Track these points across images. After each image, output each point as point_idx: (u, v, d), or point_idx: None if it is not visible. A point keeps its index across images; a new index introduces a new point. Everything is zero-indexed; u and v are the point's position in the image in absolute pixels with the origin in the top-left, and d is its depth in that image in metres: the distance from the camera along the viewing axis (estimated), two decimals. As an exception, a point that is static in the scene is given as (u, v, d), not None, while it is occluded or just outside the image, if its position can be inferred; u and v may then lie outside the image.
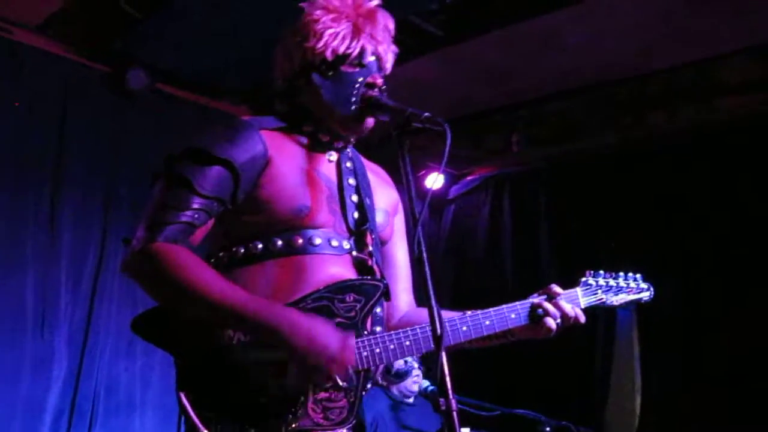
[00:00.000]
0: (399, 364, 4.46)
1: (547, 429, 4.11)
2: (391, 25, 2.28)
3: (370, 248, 2.24)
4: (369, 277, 2.18)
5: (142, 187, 4.87)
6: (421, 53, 4.65)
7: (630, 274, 2.63)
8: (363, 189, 2.31)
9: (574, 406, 5.24)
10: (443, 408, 1.70)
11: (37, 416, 4.45)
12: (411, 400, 4.68)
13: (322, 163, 2.27)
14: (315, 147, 2.27)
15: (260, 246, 2.13)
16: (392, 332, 2.14)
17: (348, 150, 2.36)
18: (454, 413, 1.70)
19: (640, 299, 2.64)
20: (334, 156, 2.30)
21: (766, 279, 4.89)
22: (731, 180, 5.18)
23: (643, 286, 2.65)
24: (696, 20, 4.32)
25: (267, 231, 2.13)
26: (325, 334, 1.94)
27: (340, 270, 2.16)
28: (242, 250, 2.14)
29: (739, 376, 4.93)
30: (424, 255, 1.84)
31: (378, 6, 2.26)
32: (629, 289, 2.61)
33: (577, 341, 5.72)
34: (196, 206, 2.05)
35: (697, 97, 5.13)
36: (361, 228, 2.24)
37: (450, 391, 1.71)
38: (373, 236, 2.26)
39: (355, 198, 2.28)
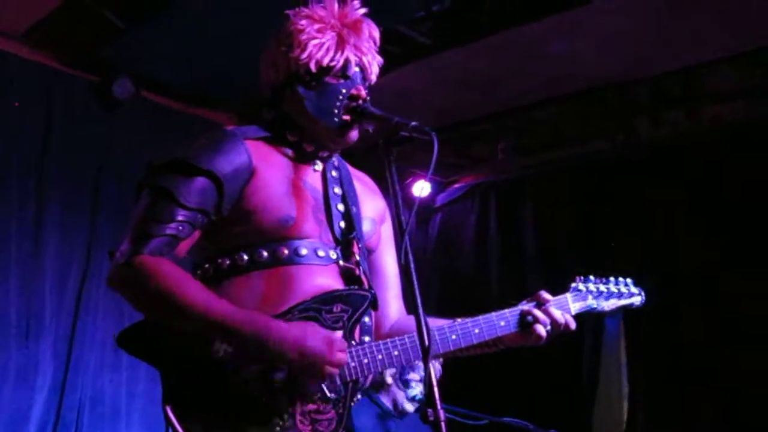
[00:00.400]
0: (413, 376, 4.43)
1: (534, 437, 4.10)
2: (377, 35, 2.27)
3: (357, 257, 2.23)
4: (356, 287, 2.17)
5: (127, 196, 4.84)
6: (407, 61, 4.65)
7: (621, 279, 2.60)
8: (349, 198, 2.30)
9: (562, 414, 5.24)
10: (431, 419, 1.70)
11: (21, 427, 4.41)
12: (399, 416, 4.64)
13: (307, 172, 2.26)
14: (300, 157, 2.26)
15: (246, 257, 2.11)
16: (380, 342, 2.13)
17: (333, 159, 2.35)
18: (443, 424, 1.70)
19: (632, 304, 2.61)
20: (319, 166, 2.29)
21: (755, 283, 4.91)
22: (718, 187, 5.20)
23: (634, 290, 2.62)
24: (682, 28, 4.34)
25: (252, 242, 2.12)
26: (312, 338, 1.95)
27: (327, 280, 2.14)
28: (228, 262, 2.13)
29: (727, 381, 4.94)
30: (411, 264, 1.84)
31: (363, 16, 2.25)
32: (620, 294, 2.57)
33: (565, 349, 5.72)
34: (180, 218, 2.04)
35: (683, 104, 5.16)
36: (347, 237, 2.23)
37: (438, 401, 1.71)
38: (360, 245, 2.25)
39: (341, 207, 2.27)
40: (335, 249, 2.20)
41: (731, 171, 5.16)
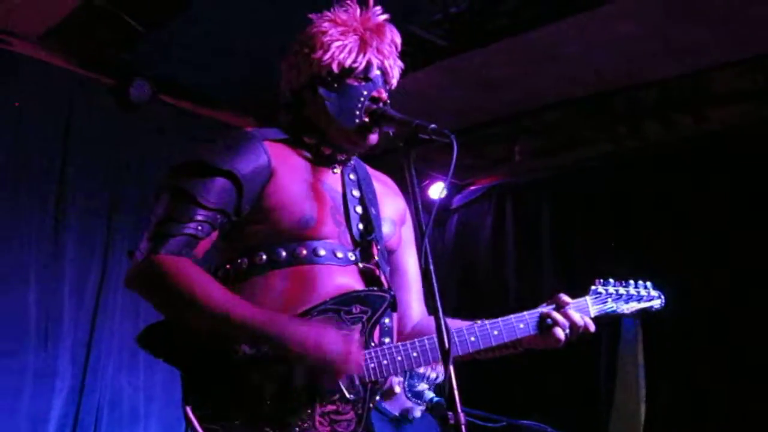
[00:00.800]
0: (422, 387, 4.42)
1: (554, 439, 4.08)
2: (398, 40, 2.29)
3: (377, 259, 2.22)
4: (375, 288, 2.16)
5: (146, 199, 4.91)
6: (424, 64, 4.65)
7: (640, 282, 2.60)
8: (368, 200, 2.30)
9: (579, 416, 5.22)
10: (452, 422, 1.69)
11: (40, 430, 4.43)
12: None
13: (326, 175, 2.26)
14: (318, 160, 2.26)
15: (264, 257, 2.12)
16: (399, 344, 2.13)
17: (351, 162, 2.35)
18: (463, 427, 1.69)
19: (651, 307, 2.61)
20: (337, 169, 2.30)
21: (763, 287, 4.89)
22: (726, 187, 5.18)
23: (654, 293, 2.62)
24: (689, 32, 4.33)
25: (271, 242, 2.12)
26: (332, 338, 1.94)
27: (347, 281, 2.14)
28: (246, 261, 2.13)
29: (744, 383, 4.91)
30: (431, 267, 1.84)
31: (386, 20, 2.27)
32: (640, 296, 2.57)
33: (582, 351, 5.70)
34: (199, 218, 2.04)
35: (690, 107, 5.15)
36: (366, 239, 2.23)
37: (459, 405, 1.70)
38: (379, 247, 2.25)
39: (359, 209, 2.27)
40: (354, 251, 2.20)
41: (740, 171, 5.15)
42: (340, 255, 2.16)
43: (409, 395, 4.39)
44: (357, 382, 2.04)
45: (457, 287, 6.62)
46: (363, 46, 2.20)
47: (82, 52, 4.77)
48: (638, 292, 2.57)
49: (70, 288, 4.67)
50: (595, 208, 5.90)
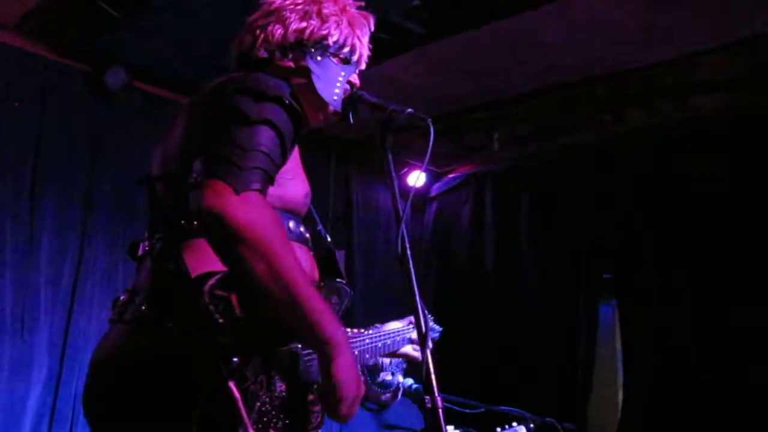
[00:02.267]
0: (384, 374, 4.43)
1: (531, 425, 4.10)
2: (372, 30, 2.29)
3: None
4: (343, 281, 2.15)
5: (121, 188, 4.88)
6: (401, 51, 4.63)
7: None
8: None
9: (558, 403, 5.25)
10: (429, 406, 1.70)
11: (17, 420, 4.39)
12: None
13: None
14: None
15: None
16: (370, 332, 2.16)
17: None
18: (440, 411, 1.70)
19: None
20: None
21: (750, 272, 4.93)
22: (709, 175, 5.22)
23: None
24: (673, 18, 4.33)
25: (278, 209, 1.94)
26: (356, 372, 1.82)
27: (310, 263, 2.07)
28: None
29: (721, 368, 4.96)
30: (408, 253, 1.84)
31: (368, 13, 2.26)
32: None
33: (560, 338, 5.75)
34: (279, 162, 1.82)
35: (674, 94, 5.17)
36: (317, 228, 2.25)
37: (436, 389, 1.71)
38: (317, 233, 2.25)
39: None
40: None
41: (724, 159, 5.18)
42: (308, 237, 2.11)
43: (375, 388, 4.41)
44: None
45: (436, 275, 6.64)
46: (353, 29, 2.19)
47: (57, 38, 4.71)
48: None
49: (45, 277, 4.62)
50: (574, 197, 5.93)
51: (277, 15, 2.16)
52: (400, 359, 4.38)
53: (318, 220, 2.26)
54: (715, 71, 4.89)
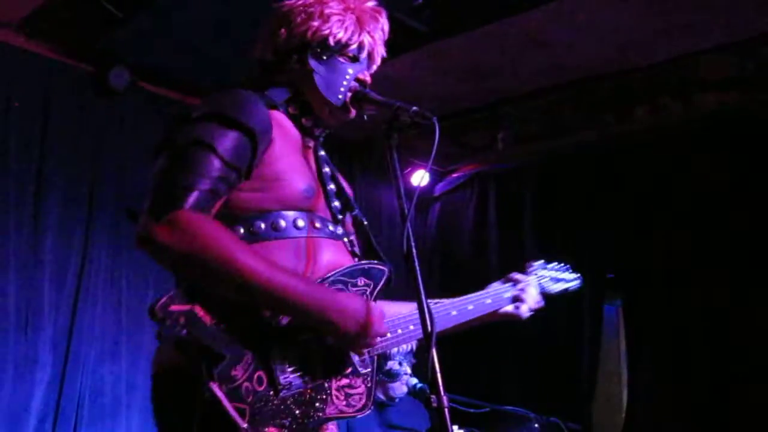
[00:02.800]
0: (392, 363, 4.43)
1: (536, 425, 4.10)
2: (387, 29, 2.29)
3: (353, 235, 2.24)
4: (376, 262, 2.15)
5: (125, 187, 4.88)
6: (405, 50, 4.63)
7: (562, 265, 2.92)
8: (338, 177, 2.30)
9: (562, 403, 5.25)
10: (435, 405, 1.69)
11: (22, 420, 4.39)
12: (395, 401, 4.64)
13: (305, 147, 2.23)
14: (300, 130, 2.23)
15: (263, 226, 2.00)
16: (396, 317, 2.15)
17: (320, 139, 2.32)
18: (446, 410, 1.69)
19: (567, 289, 2.88)
20: (311, 143, 2.26)
21: (755, 272, 4.92)
22: (713, 174, 5.21)
23: (573, 276, 2.92)
24: (676, 17, 4.33)
25: (269, 210, 2.02)
26: (370, 310, 1.94)
27: (339, 254, 2.12)
28: (241, 230, 1.99)
29: (726, 369, 4.95)
30: (414, 251, 1.84)
31: (381, 8, 2.27)
32: (563, 278, 2.87)
33: (564, 338, 5.74)
34: (221, 175, 1.89)
35: (677, 93, 5.16)
36: (345, 214, 2.24)
37: (442, 389, 1.70)
38: (361, 221, 2.28)
39: (332, 186, 2.26)
40: (335, 225, 2.18)
41: (728, 158, 5.17)
42: (330, 228, 2.14)
43: (383, 377, 4.42)
44: (367, 356, 2.05)
45: (440, 275, 6.63)
46: (359, 26, 2.19)
47: (60, 39, 4.71)
48: (561, 274, 2.86)
49: (50, 276, 4.62)
50: (578, 196, 5.91)
51: (284, 18, 2.21)
52: (409, 350, 4.40)
53: (354, 206, 2.27)
54: (719, 70, 4.88)
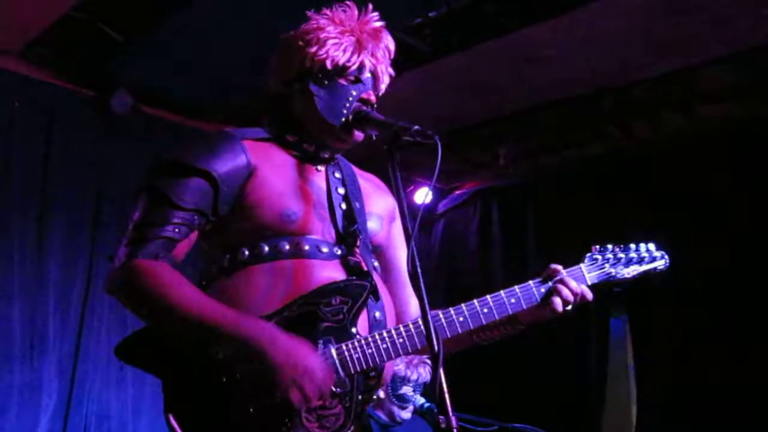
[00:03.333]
0: (406, 389, 4.39)
1: (545, 443, 4.06)
2: (392, 47, 2.30)
3: (359, 251, 2.21)
4: (354, 278, 2.13)
5: (128, 211, 4.86)
6: (406, 68, 4.64)
7: (642, 244, 2.48)
8: (353, 196, 2.28)
9: (571, 419, 5.21)
10: (443, 426, 1.67)
11: (27, 447, 4.39)
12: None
13: (309, 172, 2.25)
14: (301, 157, 2.25)
15: (246, 252, 2.11)
16: (384, 331, 2.09)
17: (336, 160, 2.34)
18: (455, 431, 1.67)
19: (654, 269, 2.47)
20: (321, 167, 2.28)
21: (764, 280, 4.89)
22: (717, 185, 5.20)
23: (657, 254, 2.48)
24: (676, 30, 4.33)
25: (253, 238, 2.11)
26: (303, 352, 1.92)
27: (330, 274, 2.12)
28: (228, 258, 2.12)
29: (736, 381, 4.92)
30: (419, 271, 1.83)
31: (383, 27, 2.27)
32: (641, 258, 2.44)
33: (571, 353, 5.71)
34: (176, 220, 2.04)
35: (679, 105, 5.16)
36: (350, 233, 2.21)
37: (450, 409, 1.68)
38: (362, 237, 2.23)
39: (344, 206, 2.25)
40: (339, 246, 2.18)
41: (730, 169, 5.16)
42: (324, 250, 2.14)
43: (393, 398, 4.38)
44: (342, 374, 2.01)
45: (444, 292, 6.61)
46: (358, 47, 2.20)
47: (62, 64, 4.74)
48: (639, 255, 2.45)
49: (54, 302, 4.62)
50: (581, 211, 5.90)
51: (285, 49, 2.27)
52: (424, 379, 4.36)
53: (360, 229, 2.24)
54: (719, 82, 4.88)
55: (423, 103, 5.15)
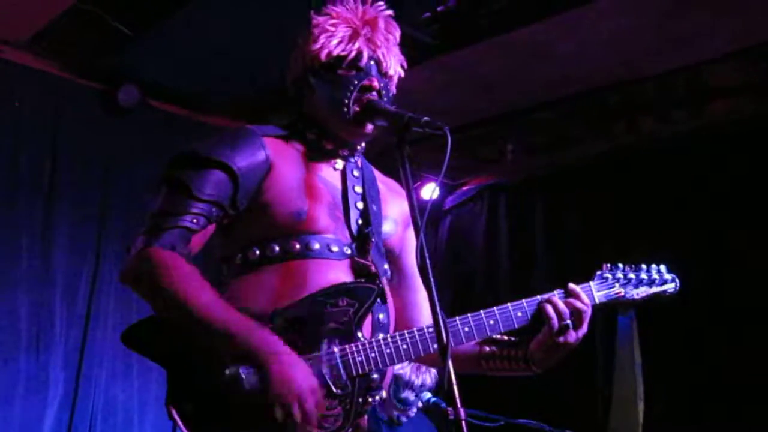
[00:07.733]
0: (408, 393, 4.39)
1: (551, 435, 4.06)
2: (395, 32, 2.29)
3: (373, 255, 2.19)
4: (363, 280, 2.13)
5: (135, 205, 4.88)
6: (413, 63, 4.61)
7: (653, 266, 2.48)
8: (370, 197, 2.28)
9: (578, 416, 5.20)
10: (452, 418, 1.67)
11: (34, 439, 4.40)
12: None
13: (326, 170, 2.24)
14: (319, 155, 2.25)
15: (257, 252, 2.12)
16: (389, 335, 2.10)
17: (356, 158, 2.33)
18: (463, 423, 1.67)
19: (665, 291, 2.48)
20: (339, 164, 2.28)
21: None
22: (725, 182, 5.17)
23: (668, 277, 2.49)
24: (684, 25, 4.31)
25: (265, 237, 2.12)
26: (301, 373, 1.91)
27: (339, 275, 2.11)
28: (240, 257, 2.13)
29: (742, 379, 4.90)
30: (428, 263, 1.82)
31: (382, 13, 2.27)
32: (651, 280, 2.44)
33: (578, 350, 5.69)
34: (194, 210, 2.04)
35: (687, 101, 5.14)
36: (364, 234, 2.20)
37: (458, 401, 1.68)
38: (374, 240, 2.22)
39: (360, 205, 2.25)
40: (350, 245, 2.17)
41: (739, 165, 5.14)
42: (335, 249, 2.13)
43: (395, 401, 4.37)
44: (344, 376, 2.01)
45: (451, 288, 6.60)
46: (353, 35, 2.19)
47: (69, 57, 4.74)
48: (650, 276, 2.45)
49: (61, 295, 4.63)
50: (589, 207, 5.89)
51: (293, 49, 2.30)
52: (428, 387, 4.35)
53: (374, 230, 2.23)
54: (728, 78, 4.85)
55: (430, 97, 5.13)
